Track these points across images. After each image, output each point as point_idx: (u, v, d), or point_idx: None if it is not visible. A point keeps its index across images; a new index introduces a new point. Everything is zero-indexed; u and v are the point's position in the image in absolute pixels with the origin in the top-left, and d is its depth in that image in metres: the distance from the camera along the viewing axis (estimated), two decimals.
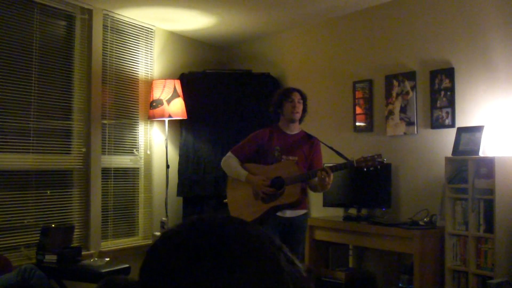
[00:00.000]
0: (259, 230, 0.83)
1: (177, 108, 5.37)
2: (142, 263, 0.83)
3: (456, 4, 4.50)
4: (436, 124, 4.56)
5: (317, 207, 5.35)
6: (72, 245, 4.57)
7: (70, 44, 5.02)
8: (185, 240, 0.79)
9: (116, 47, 5.34)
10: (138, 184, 5.58)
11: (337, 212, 5.10)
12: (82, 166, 5.02)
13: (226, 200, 4.04)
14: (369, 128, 5.10)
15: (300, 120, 4.06)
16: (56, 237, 4.43)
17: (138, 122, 5.55)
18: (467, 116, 4.36)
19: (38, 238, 4.42)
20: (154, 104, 5.36)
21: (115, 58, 5.33)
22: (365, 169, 3.73)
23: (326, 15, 5.39)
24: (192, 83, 5.72)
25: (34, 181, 4.67)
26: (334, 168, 3.80)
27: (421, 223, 4.29)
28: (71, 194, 4.97)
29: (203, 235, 0.79)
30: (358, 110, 5.19)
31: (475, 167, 4.00)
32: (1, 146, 4.43)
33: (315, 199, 5.29)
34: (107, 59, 5.23)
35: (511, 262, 3.86)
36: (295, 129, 4.04)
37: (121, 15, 5.34)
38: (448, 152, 4.27)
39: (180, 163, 5.65)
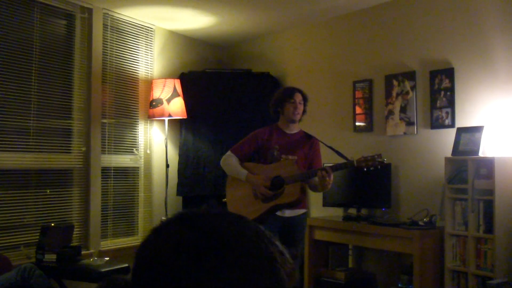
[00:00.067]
0: (252, 225, 0.84)
1: (177, 107, 5.37)
2: (136, 263, 0.83)
3: (456, 4, 4.50)
4: (436, 124, 4.56)
5: (317, 207, 5.35)
6: (71, 245, 4.56)
7: (70, 43, 5.01)
8: (182, 239, 0.79)
9: (116, 46, 5.34)
10: (138, 183, 5.58)
11: (337, 212, 5.10)
12: (82, 165, 5.02)
13: (226, 199, 4.04)
14: (369, 128, 5.10)
15: (299, 120, 4.06)
16: (56, 237, 4.42)
17: (138, 122, 5.55)
18: (467, 116, 4.36)
19: (38, 237, 4.41)
20: (154, 103, 5.36)
21: (115, 57, 5.33)
22: (365, 169, 3.74)
23: (326, 14, 5.39)
24: (192, 83, 5.72)
25: (33, 180, 4.67)
26: (335, 168, 3.80)
27: (420, 223, 4.29)
28: (71, 193, 4.97)
29: (199, 233, 0.79)
30: (358, 110, 5.19)
31: (475, 167, 4.00)
32: (1, 145, 4.42)
33: (315, 199, 5.29)
34: (107, 58, 5.23)
35: (511, 262, 3.86)
36: (294, 129, 4.04)
37: (121, 14, 5.33)
38: (448, 152, 4.27)
39: (180, 163, 5.65)
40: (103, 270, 4.08)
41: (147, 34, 5.65)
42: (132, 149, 5.50)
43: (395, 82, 4.87)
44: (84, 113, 5.04)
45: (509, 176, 3.90)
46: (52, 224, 4.59)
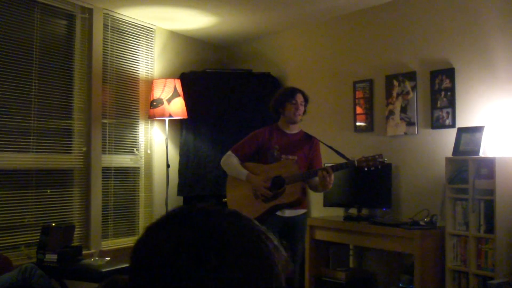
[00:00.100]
0: (248, 221, 0.84)
1: (177, 107, 5.37)
2: (133, 263, 0.82)
3: (457, 4, 4.50)
4: (437, 124, 4.56)
5: (317, 207, 5.35)
6: (72, 245, 4.56)
7: (71, 43, 5.01)
8: (182, 239, 0.78)
9: (116, 47, 5.34)
10: (139, 183, 5.58)
11: (337, 212, 5.10)
12: (82, 166, 5.02)
13: (226, 199, 4.04)
14: (369, 128, 5.10)
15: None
16: (57, 237, 4.42)
17: (138, 122, 5.55)
18: (467, 116, 4.35)
19: (39, 237, 4.41)
20: (154, 103, 5.36)
21: (116, 57, 5.33)
22: (366, 169, 3.75)
23: (326, 14, 5.39)
24: (193, 83, 5.72)
25: (34, 180, 4.67)
26: (335, 168, 3.80)
27: (421, 223, 4.29)
28: (71, 194, 4.97)
29: (198, 232, 0.79)
30: (359, 110, 5.19)
31: (476, 167, 4.00)
32: (2, 145, 4.42)
33: (316, 199, 5.30)
34: (107, 58, 5.23)
35: None
36: (294, 129, 4.05)
37: (122, 14, 5.33)
38: (449, 152, 4.27)
39: (180, 163, 5.66)
40: (104, 270, 4.08)
41: (147, 34, 5.65)
42: (133, 149, 5.50)
43: (395, 82, 4.87)
44: (85, 113, 5.04)
45: (510, 176, 3.90)
46: (53, 224, 4.59)
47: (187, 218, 0.82)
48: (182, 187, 5.58)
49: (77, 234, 4.89)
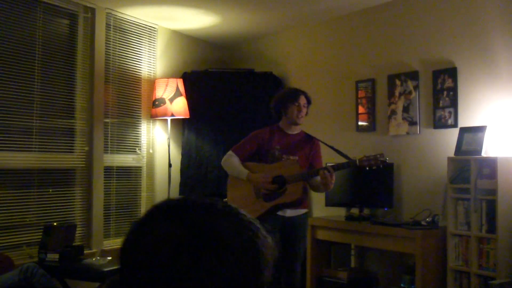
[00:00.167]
0: (238, 214, 0.84)
1: (179, 107, 5.37)
2: (126, 262, 0.81)
3: (459, 3, 4.49)
4: (439, 124, 4.55)
5: (319, 207, 5.35)
6: (74, 244, 4.57)
7: (73, 43, 5.02)
8: (178, 239, 0.78)
9: (119, 46, 5.35)
10: (141, 183, 5.58)
11: (339, 212, 5.09)
12: (84, 165, 5.03)
13: (227, 199, 4.04)
14: (371, 127, 5.09)
15: None
16: (58, 236, 4.43)
17: (140, 121, 5.55)
18: (469, 116, 4.35)
19: (40, 236, 4.42)
20: (156, 103, 5.36)
21: (118, 57, 5.34)
22: (367, 168, 3.74)
23: (328, 14, 5.38)
24: (195, 82, 5.72)
25: (36, 180, 4.67)
26: (337, 167, 3.80)
27: (423, 223, 4.28)
28: (73, 193, 4.97)
29: (193, 230, 0.79)
30: (361, 109, 5.19)
31: (478, 167, 4.00)
32: (4, 145, 4.43)
33: (317, 198, 5.29)
34: (110, 58, 5.24)
35: None
36: (295, 130, 4.04)
37: (124, 14, 5.34)
38: (451, 152, 4.26)
39: (182, 162, 5.66)
40: (105, 269, 4.08)
41: (150, 34, 5.66)
42: (135, 149, 5.51)
43: (398, 82, 4.86)
44: (87, 113, 5.05)
45: None
46: (55, 224, 4.60)
47: (176, 214, 0.82)
48: (184, 187, 5.58)
49: (79, 233, 4.90)
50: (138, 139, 5.53)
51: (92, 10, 5.06)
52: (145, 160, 5.58)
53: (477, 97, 4.32)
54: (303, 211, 3.96)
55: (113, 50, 5.27)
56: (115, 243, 5.26)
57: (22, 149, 4.57)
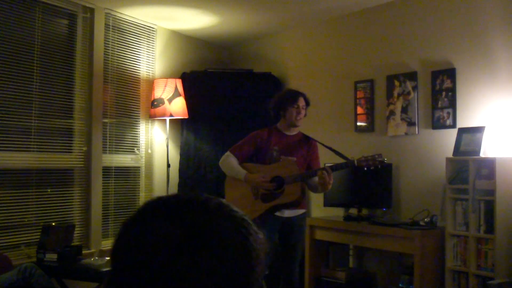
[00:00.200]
0: (231, 211, 0.84)
1: (178, 107, 5.37)
2: (119, 261, 0.81)
3: (458, 4, 4.50)
4: (437, 124, 4.55)
5: (317, 207, 5.35)
6: (72, 244, 4.57)
7: (72, 43, 5.02)
8: (174, 239, 0.77)
9: (117, 46, 5.35)
10: (139, 183, 5.58)
11: (337, 212, 5.10)
12: (83, 165, 5.02)
13: (224, 200, 4.03)
14: (370, 128, 5.10)
15: None
16: (57, 236, 4.43)
17: (139, 121, 5.55)
18: (468, 117, 4.35)
19: (39, 236, 4.42)
20: (155, 103, 5.36)
21: (117, 57, 5.34)
22: (365, 169, 3.75)
23: (327, 14, 5.38)
24: (194, 82, 5.72)
25: (35, 180, 4.67)
26: (335, 168, 3.81)
27: (421, 223, 4.29)
28: (72, 193, 4.97)
29: (189, 229, 0.78)
30: (359, 110, 5.19)
31: (476, 167, 4.00)
32: (3, 145, 4.43)
33: (316, 198, 5.30)
34: (108, 58, 5.24)
35: None
36: (293, 131, 4.05)
37: (123, 14, 5.34)
38: (449, 152, 4.27)
39: (181, 162, 5.66)
40: (104, 269, 4.08)
41: (148, 34, 5.66)
42: (133, 149, 5.51)
43: (396, 83, 4.86)
44: (86, 113, 5.05)
45: (510, 176, 3.90)
46: (53, 224, 4.60)
47: (170, 213, 0.81)
48: (183, 187, 5.58)
49: (77, 233, 4.89)
50: (137, 139, 5.53)
51: (91, 10, 5.06)
52: (143, 160, 5.58)
53: (475, 98, 4.32)
54: (301, 211, 3.96)
55: (112, 50, 5.27)
56: None
57: (21, 149, 4.57)
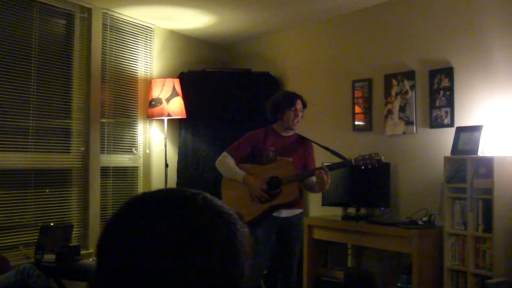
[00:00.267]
0: (220, 207, 0.84)
1: (176, 107, 5.37)
2: (108, 259, 0.79)
3: (456, 3, 4.50)
4: (435, 123, 4.55)
5: (316, 206, 5.35)
6: (71, 244, 4.57)
7: (70, 43, 5.01)
8: (166, 237, 0.77)
9: (115, 46, 5.34)
10: (137, 183, 5.57)
11: (336, 212, 5.10)
12: (81, 165, 5.02)
13: (221, 201, 4.02)
14: (368, 127, 5.10)
15: None
16: (55, 236, 4.43)
17: (137, 121, 5.54)
18: (466, 116, 4.35)
19: (37, 237, 4.42)
20: (153, 103, 5.36)
21: (115, 57, 5.33)
22: (363, 167, 3.75)
23: (325, 14, 5.38)
24: (192, 82, 5.71)
25: (33, 180, 4.67)
26: (333, 167, 3.81)
27: (419, 222, 4.29)
28: (70, 193, 4.97)
29: (180, 227, 0.78)
30: (357, 109, 5.19)
31: (474, 166, 4.00)
32: (0, 145, 4.42)
33: (314, 198, 5.30)
34: (106, 58, 5.23)
35: (510, 261, 3.86)
36: (290, 132, 4.04)
37: (121, 13, 5.33)
38: (447, 151, 4.27)
39: (179, 162, 5.65)
40: None
41: (146, 34, 5.65)
42: (131, 149, 5.50)
43: (394, 82, 4.86)
44: (83, 113, 5.04)
45: (508, 175, 3.90)
46: (51, 224, 4.60)
47: (158, 209, 0.80)
48: (181, 187, 5.57)
49: (76, 234, 4.89)
50: (135, 139, 5.53)
51: (89, 10, 5.05)
52: (141, 160, 5.58)
53: (473, 97, 4.32)
54: (298, 211, 3.95)
55: (109, 50, 5.27)
56: None
57: (19, 150, 4.56)
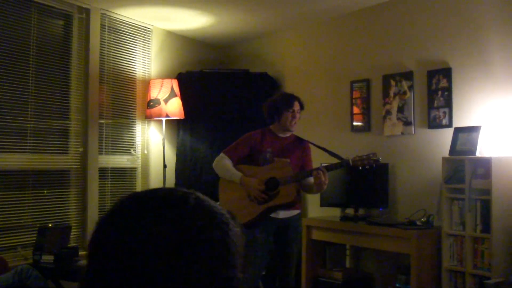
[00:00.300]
0: (211, 206, 0.83)
1: (174, 107, 5.37)
2: (102, 260, 0.78)
3: (454, 4, 4.50)
4: (434, 124, 4.55)
5: (314, 207, 5.35)
6: (69, 245, 4.56)
7: (68, 43, 5.01)
8: (163, 238, 0.76)
9: (113, 47, 5.34)
10: (135, 184, 5.57)
11: (334, 212, 5.10)
12: (79, 166, 5.01)
13: (219, 202, 4.02)
14: (366, 128, 5.10)
15: None
16: (53, 237, 4.42)
17: (135, 122, 5.54)
18: (464, 116, 4.35)
19: (35, 238, 4.41)
20: (151, 103, 5.35)
21: (113, 57, 5.33)
22: (360, 168, 3.75)
23: (324, 14, 5.38)
24: (190, 83, 5.71)
25: (31, 181, 4.66)
26: (330, 168, 3.81)
27: (418, 223, 4.29)
28: (68, 194, 4.96)
29: (176, 228, 0.77)
30: (356, 109, 5.19)
31: (472, 167, 4.00)
32: None
33: (312, 199, 5.29)
34: (104, 58, 5.23)
35: (508, 262, 3.86)
36: (287, 133, 4.04)
37: (119, 14, 5.33)
38: (445, 152, 4.27)
39: (177, 163, 5.65)
40: None
41: (144, 34, 5.65)
42: (130, 150, 5.50)
43: (392, 82, 4.86)
44: (82, 114, 5.04)
45: (506, 175, 3.90)
46: (50, 225, 4.59)
47: (153, 210, 0.80)
48: (178, 187, 5.56)
49: (74, 235, 4.89)
50: (133, 140, 5.52)
51: (87, 11, 5.05)
52: (140, 161, 5.57)
53: (471, 97, 4.32)
54: (296, 212, 3.95)
55: (107, 51, 5.27)
56: None
57: (17, 150, 4.56)
